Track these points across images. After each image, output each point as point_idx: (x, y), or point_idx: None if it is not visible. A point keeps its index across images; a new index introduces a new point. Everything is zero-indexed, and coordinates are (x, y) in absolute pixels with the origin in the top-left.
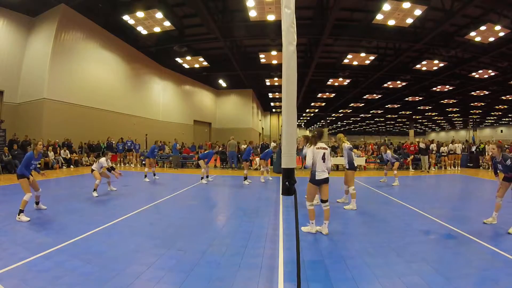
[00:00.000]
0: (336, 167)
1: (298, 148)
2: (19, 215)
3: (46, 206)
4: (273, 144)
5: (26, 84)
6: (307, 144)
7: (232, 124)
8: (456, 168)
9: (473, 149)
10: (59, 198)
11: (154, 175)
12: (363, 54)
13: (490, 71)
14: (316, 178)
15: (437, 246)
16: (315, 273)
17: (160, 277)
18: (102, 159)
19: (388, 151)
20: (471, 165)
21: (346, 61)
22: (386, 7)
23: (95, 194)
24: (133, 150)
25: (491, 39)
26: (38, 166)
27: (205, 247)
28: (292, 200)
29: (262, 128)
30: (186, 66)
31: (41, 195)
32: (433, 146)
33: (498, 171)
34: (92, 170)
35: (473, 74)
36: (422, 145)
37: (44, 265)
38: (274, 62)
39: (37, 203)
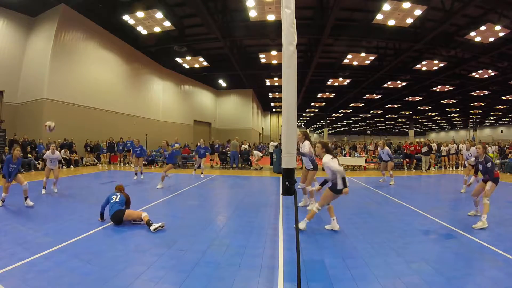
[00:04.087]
0: None
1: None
2: None
3: (33, 202)
4: (272, 144)
5: (26, 84)
6: (326, 153)
7: (232, 124)
8: (460, 168)
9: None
10: (59, 198)
11: (141, 173)
12: (363, 54)
13: (490, 71)
14: (338, 187)
15: (437, 246)
16: (315, 273)
17: (160, 277)
18: (48, 153)
19: (386, 148)
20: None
21: (346, 61)
22: (386, 7)
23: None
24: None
25: (491, 39)
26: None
27: (205, 247)
28: (292, 200)
29: (262, 128)
30: (186, 66)
31: (43, 195)
32: (434, 145)
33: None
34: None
35: (473, 74)
36: (425, 149)
37: (44, 265)
38: (274, 62)
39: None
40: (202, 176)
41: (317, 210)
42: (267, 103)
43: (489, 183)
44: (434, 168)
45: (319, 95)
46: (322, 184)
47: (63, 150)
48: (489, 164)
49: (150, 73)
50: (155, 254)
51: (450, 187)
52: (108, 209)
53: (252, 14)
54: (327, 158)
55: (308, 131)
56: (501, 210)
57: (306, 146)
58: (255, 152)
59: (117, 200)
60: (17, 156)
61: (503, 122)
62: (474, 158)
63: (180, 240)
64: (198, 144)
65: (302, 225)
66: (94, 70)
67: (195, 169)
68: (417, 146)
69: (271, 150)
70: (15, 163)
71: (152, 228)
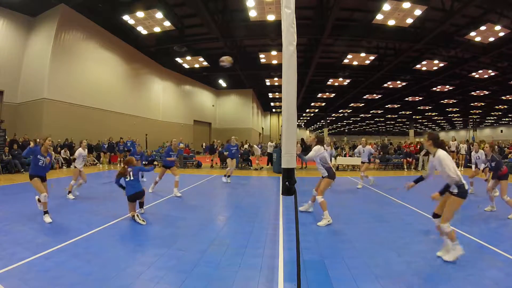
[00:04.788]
0: (337, 168)
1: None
2: (44, 215)
3: (51, 220)
4: (270, 144)
5: (26, 84)
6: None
7: (232, 124)
8: (460, 168)
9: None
10: (59, 198)
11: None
12: (363, 54)
13: (490, 71)
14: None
15: (437, 246)
16: (315, 273)
17: (160, 277)
18: (80, 150)
19: (368, 146)
20: (471, 165)
21: (346, 61)
22: (386, 7)
23: (71, 196)
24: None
25: (491, 39)
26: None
27: (205, 247)
28: (292, 200)
29: (262, 128)
30: (186, 66)
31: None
32: None
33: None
34: (75, 167)
35: (473, 74)
36: (423, 153)
37: (44, 265)
38: (274, 62)
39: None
40: (228, 180)
41: (449, 229)
42: (267, 103)
43: (500, 183)
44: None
45: (319, 95)
46: (442, 192)
47: (63, 150)
48: (494, 164)
49: (150, 73)
50: (155, 254)
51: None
52: (126, 187)
53: (252, 14)
54: (444, 154)
55: (322, 135)
56: (501, 211)
57: (314, 150)
58: (255, 146)
59: (138, 178)
60: (47, 148)
61: (503, 122)
62: (483, 163)
63: (180, 240)
64: (228, 143)
65: (451, 256)
66: (94, 70)
67: (227, 176)
68: (415, 146)
69: (269, 150)
70: (45, 155)
71: (139, 212)
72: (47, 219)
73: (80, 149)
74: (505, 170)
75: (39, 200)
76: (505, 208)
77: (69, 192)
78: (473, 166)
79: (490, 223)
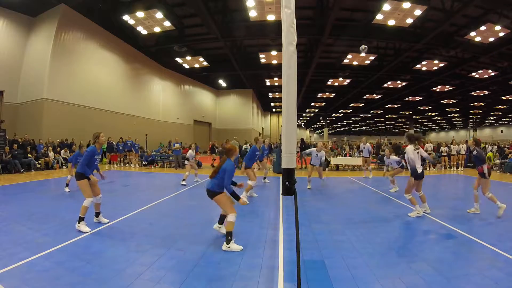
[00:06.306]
0: (336, 167)
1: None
2: (79, 223)
3: (108, 220)
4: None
5: (26, 84)
6: None
7: (232, 124)
8: (460, 168)
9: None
10: (59, 197)
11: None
12: (363, 54)
13: (490, 71)
14: None
15: (437, 246)
16: (315, 273)
17: (160, 277)
18: (190, 151)
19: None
20: (471, 165)
21: (346, 61)
22: (386, 7)
23: (184, 183)
24: (133, 150)
25: (491, 39)
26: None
27: (205, 247)
28: (292, 200)
29: (262, 128)
30: (186, 66)
31: (43, 195)
32: (428, 146)
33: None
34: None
35: (473, 74)
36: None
37: (44, 265)
38: (274, 62)
39: (97, 214)
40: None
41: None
42: (267, 103)
43: (480, 180)
44: (434, 168)
45: (319, 95)
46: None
47: (63, 150)
48: (474, 152)
49: (150, 73)
50: (155, 254)
51: (450, 187)
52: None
53: (252, 14)
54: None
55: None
56: (505, 211)
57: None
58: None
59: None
60: (102, 143)
61: (503, 122)
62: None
63: (180, 240)
64: (262, 144)
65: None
66: (94, 70)
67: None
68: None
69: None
70: (99, 153)
71: (225, 247)
72: (104, 219)
73: (190, 151)
74: (481, 169)
75: (84, 212)
76: (507, 210)
77: (183, 180)
78: (385, 168)
79: (489, 223)
